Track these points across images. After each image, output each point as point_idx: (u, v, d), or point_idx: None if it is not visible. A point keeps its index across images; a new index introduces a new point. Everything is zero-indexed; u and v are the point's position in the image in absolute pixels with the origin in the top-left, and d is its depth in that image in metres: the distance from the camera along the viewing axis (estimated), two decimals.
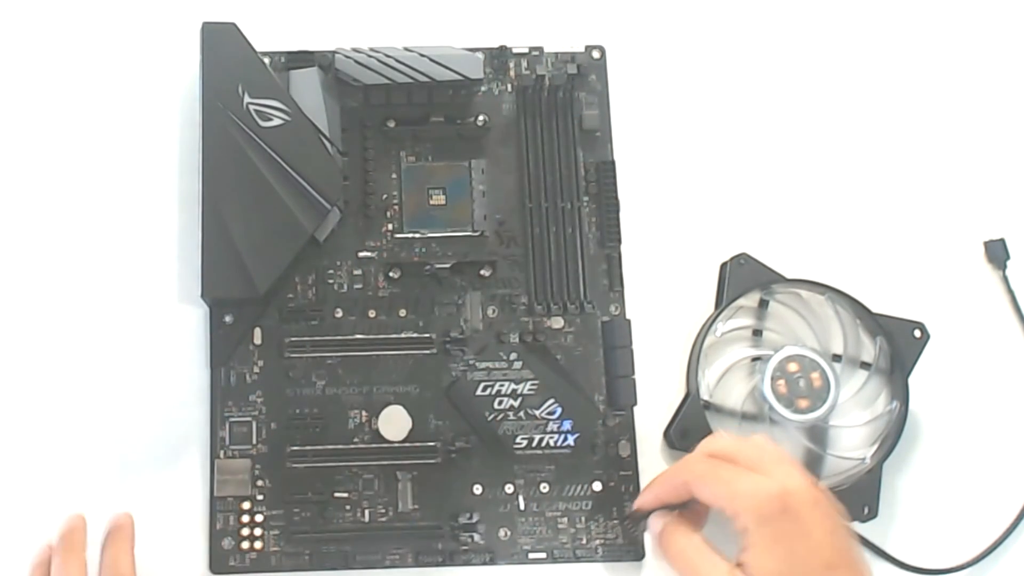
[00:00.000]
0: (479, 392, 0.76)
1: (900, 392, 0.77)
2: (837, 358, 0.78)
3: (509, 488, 0.76)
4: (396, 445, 0.76)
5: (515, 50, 0.81)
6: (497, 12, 0.83)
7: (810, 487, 0.65)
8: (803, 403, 0.76)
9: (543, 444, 0.75)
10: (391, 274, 0.78)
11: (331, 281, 0.78)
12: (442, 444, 0.76)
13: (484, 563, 0.75)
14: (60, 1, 0.81)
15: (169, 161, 0.79)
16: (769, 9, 0.85)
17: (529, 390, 0.76)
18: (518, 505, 0.76)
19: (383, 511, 0.75)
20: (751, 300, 0.78)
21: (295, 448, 0.75)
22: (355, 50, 0.78)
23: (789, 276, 0.78)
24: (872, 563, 0.76)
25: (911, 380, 0.77)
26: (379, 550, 0.75)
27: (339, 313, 0.77)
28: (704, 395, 0.77)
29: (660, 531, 0.71)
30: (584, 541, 0.75)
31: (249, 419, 0.76)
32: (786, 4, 0.85)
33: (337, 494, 0.75)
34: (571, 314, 0.78)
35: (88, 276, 0.77)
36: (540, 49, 0.81)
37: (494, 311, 0.78)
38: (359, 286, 0.78)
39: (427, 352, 0.77)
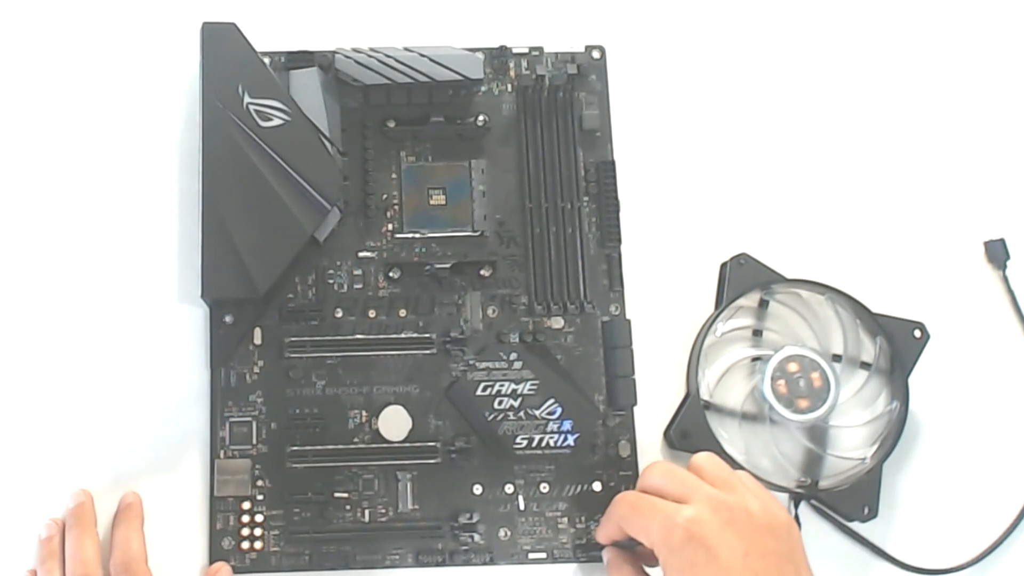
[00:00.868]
0: (479, 392, 0.76)
1: (900, 392, 0.77)
2: (837, 358, 0.78)
3: (509, 488, 0.76)
4: (396, 445, 0.76)
5: (515, 50, 0.81)
6: (497, 12, 0.83)
7: (719, 511, 0.66)
8: (803, 403, 0.76)
9: (543, 444, 0.75)
10: (391, 274, 0.78)
11: (331, 281, 0.78)
12: (442, 444, 0.76)
13: (484, 563, 0.75)
14: (60, 2, 0.81)
15: (169, 161, 0.79)
16: (769, 9, 0.84)
17: (529, 390, 0.76)
18: (518, 505, 0.76)
19: (383, 511, 0.75)
20: (751, 300, 0.78)
21: (295, 448, 0.75)
22: (355, 50, 0.78)
23: (789, 276, 0.78)
24: (872, 563, 0.76)
25: (911, 380, 0.77)
26: (379, 550, 0.75)
27: (339, 313, 0.77)
28: (704, 395, 0.77)
29: (607, 564, 0.74)
30: (584, 541, 0.75)
31: (249, 419, 0.76)
32: (786, 4, 0.85)
33: (337, 494, 0.75)
34: (571, 314, 0.78)
35: (88, 276, 0.77)
36: (540, 49, 0.81)
37: (494, 311, 0.78)
38: (359, 286, 0.78)
39: (427, 352, 0.77)
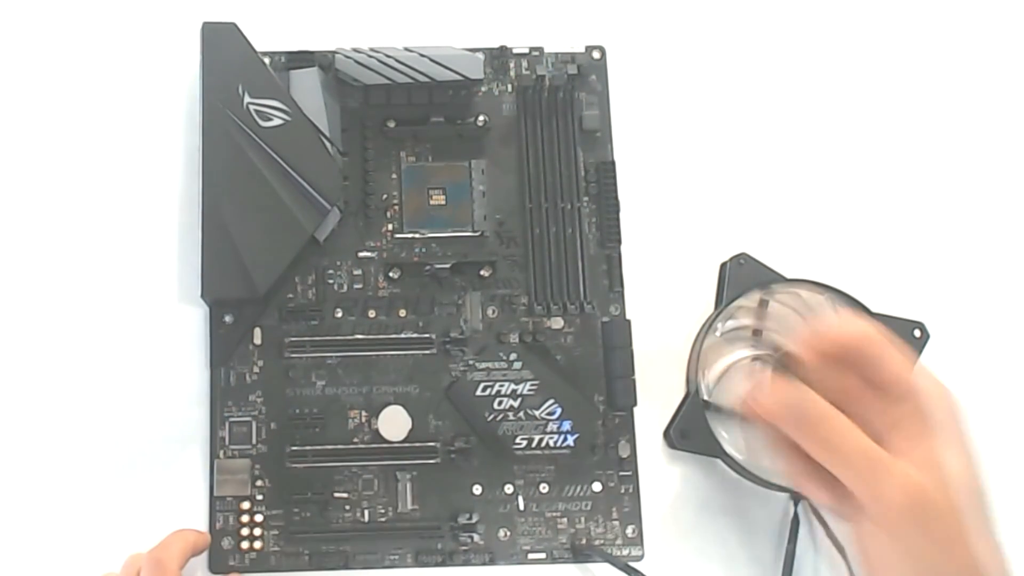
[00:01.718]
0: (479, 392, 0.76)
1: None
2: None
3: (509, 488, 0.76)
4: (396, 445, 0.76)
5: (515, 50, 0.81)
6: (497, 12, 0.83)
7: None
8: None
9: (543, 444, 0.75)
10: (391, 274, 0.78)
11: (331, 281, 0.78)
12: (442, 444, 0.76)
13: (484, 563, 0.75)
14: (60, 3, 0.81)
15: (169, 161, 0.79)
16: (769, 9, 0.84)
17: (529, 390, 0.76)
18: (518, 505, 0.76)
19: (383, 511, 0.75)
20: (751, 300, 0.78)
21: (295, 448, 0.75)
22: (355, 50, 0.78)
23: (789, 276, 0.78)
24: None
25: None
26: (379, 550, 0.75)
27: (339, 313, 0.77)
28: (704, 395, 0.77)
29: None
30: (584, 541, 0.75)
31: (249, 419, 0.76)
32: (786, 4, 0.85)
33: (337, 494, 0.75)
34: (571, 314, 0.78)
35: (88, 276, 0.77)
36: (540, 49, 0.81)
37: (494, 311, 0.78)
38: (359, 286, 0.78)
39: (427, 352, 0.77)
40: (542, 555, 0.75)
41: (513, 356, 0.76)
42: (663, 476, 0.77)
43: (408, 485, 0.75)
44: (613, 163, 0.80)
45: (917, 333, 0.77)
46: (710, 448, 0.75)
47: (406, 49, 0.78)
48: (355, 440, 0.76)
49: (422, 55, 0.78)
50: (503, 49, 0.81)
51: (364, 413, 0.76)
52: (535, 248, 0.78)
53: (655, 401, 0.77)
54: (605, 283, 0.79)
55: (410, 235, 0.78)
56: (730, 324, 0.78)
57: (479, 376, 0.76)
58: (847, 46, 0.84)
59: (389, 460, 0.76)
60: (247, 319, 0.77)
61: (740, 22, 0.84)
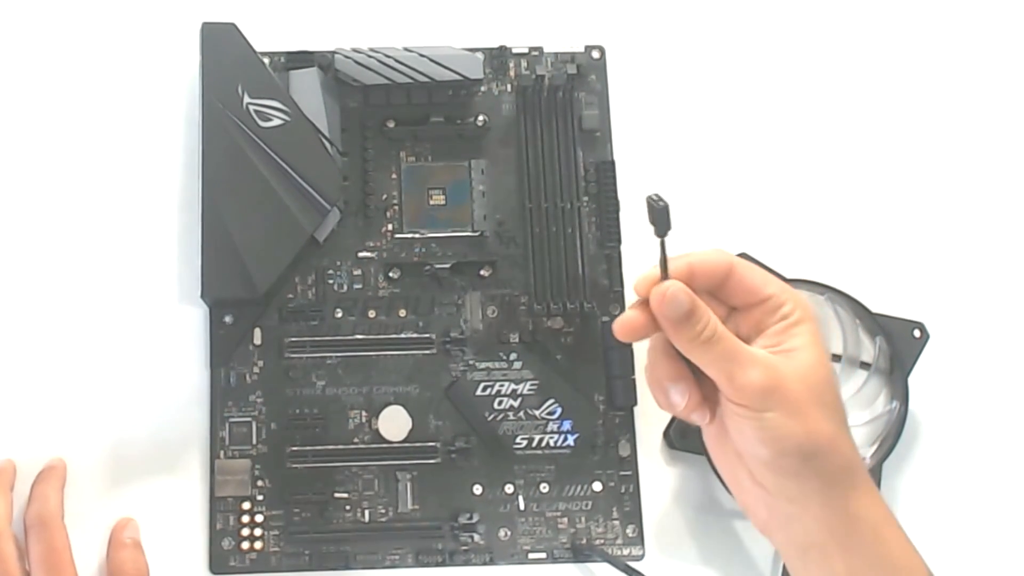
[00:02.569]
0: (479, 392, 0.76)
1: (900, 392, 0.77)
2: (837, 358, 0.78)
3: (509, 488, 0.76)
4: (396, 445, 0.76)
5: (515, 50, 0.81)
6: (497, 12, 0.83)
7: None
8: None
9: (543, 444, 0.75)
10: (391, 274, 0.78)
11: (331, 281, 0.78)
12: (442, 444, 0.76)
13: (484, 563, 0.75)
14: (60, 3, 0.81)
15: (169, 161, 0.79)
16: (769, 9, 0.84)
17: (529, 390, 0.76)
18: (518, 505, 0.76)
19: (383, 511, 0.75)
20: None
21: (295, 448, 0.75)
22: (355, 50, 0.78)
23: (789, 276, 0.78)
24: None
25: (911, 380, 0.77)
26: (379, 550, 0.75)
27: (339, 313, 0.77)
28: None
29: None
30: (584, 541, 0.75)
31: (249, 419, 0.76)
32: (786, 4, 0.85)
33: (337, 494, 0.75)
34: (571, 314, 0.78)
35: (88, 277, 0.77)
36: (540, 49, 0.81)
37: (494, 311, 0.78)
38: (359, 286, 0.78)
39: (427, 352, 0.77)
40: (542, 555, 0.75)
41: (513, 356, 0.76)
42: (663, 476, 0.77)
43: (408, 485, 0.76)
44: (613, 163, 0.80)
45: (917, 333, 0.77)
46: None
47: (405, 49, 0.78)
48: (355, 440, 0.76)
49: (422, 55, 0.78)
50: (503, 49, 0.81)
51: (364, 413, 0.76)
52: (535, 248, 0.78)
53: (655, 401, 0.77)
54: (605, 283, 0.79)
55: (410, 235, 0.78)
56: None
57: (479, 376, 0.76)
58: (847, 45, 0.84)
59: (389, 460, 0.76)
60: (247, 319, 0.77)
61: (740, 21, 0.84)
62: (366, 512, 0.75)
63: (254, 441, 0.75)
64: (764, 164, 0.82)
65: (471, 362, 0.77)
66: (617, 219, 0.79)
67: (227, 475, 0.75)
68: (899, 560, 0.63)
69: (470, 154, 0.80)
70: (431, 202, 0.79)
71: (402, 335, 0.77)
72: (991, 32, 0.85)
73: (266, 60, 0.78)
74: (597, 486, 0.76)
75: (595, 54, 0.82)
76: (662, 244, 0.63)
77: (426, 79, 0.78)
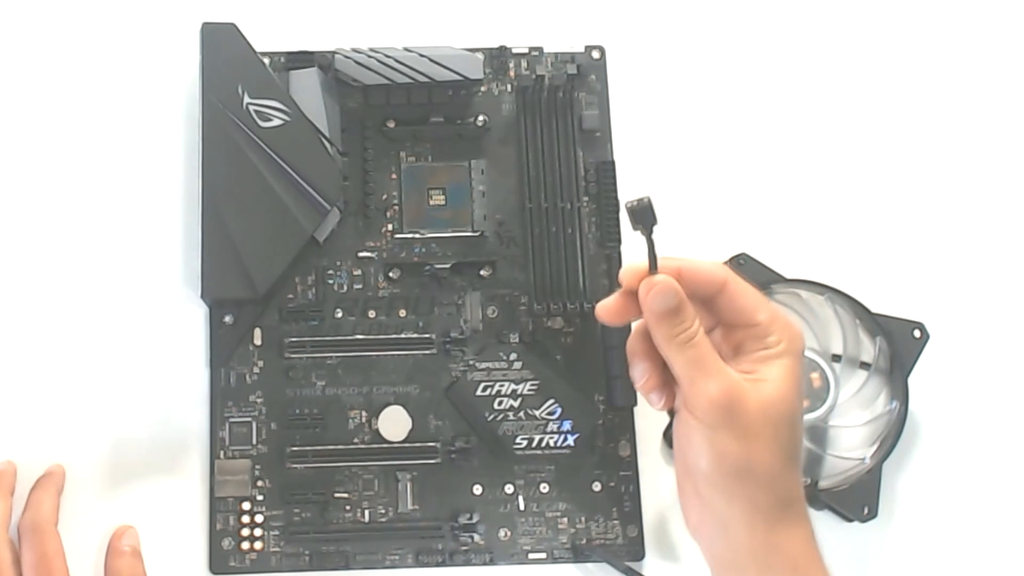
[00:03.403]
0: (479, 392, 0.76)
1: (900, 392, 0.77)
2: (837, 358, 0.78)
3: (509, 488, 0.76)
4: (396, 445, 0.76)
5: (515, 50, 0.81)
6: (497, 12, 0.83)
7: None
8: (803, 403, 0.75)
9: (543, 444, 0.75)
10: (391, 274, 0.78)
11: (331, 281, 0.78)
12: (442, 444, 0.76)
13: (484, 563, 0.75)
14: (60, 3, 0.81)
15: (169, 162, 0.79)
16: (769, 8, 0.84)
17: (529, 390, 0.76)
18: (518, 505, 0.76)
19: (383, 511, 0.75)
20: None
21: (295, 448, 0.75)
22: (355, 50, 0.78)
23: (789, 276, 0.78)
24: (869, 564, 0.76)
25: (911, 380, 0.77)
26: (379, 550, 0.75)
27: (339, 313, 0.77)
28: None
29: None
30: (584, 541, 0.75)
31: (249, 419, 0.76)
32: (786, 3, 0.85)
33: (337, 494, 0.75)
34: (571, 314, 0.78)
35: (89, 277, 0.77)
36: (540, 49, 0.82)
37: (494, 311, 0.78)
38: (359, 286, 0.78)
39: (427, 352, 0.77)
40: (543, 555, 0.75)
41: (513, 356, 0.76)
42: (663, 476, 0.77)
43: (408, 485, 0.76)
44: (613, 163, 0.80)
45: (917, 333, 0.77)
46: None
47: (405, 49, 0.78)
48: (355, 440, 0.76)
49: (421, 55, 0.78)
50: (503, 49, 0.81)
51: (364, 413, 0.76)
52: (535, 248, 0.78)
53: None
54: (605, 283, 0.79)
55: (410, 235, 0.78)
56: None
57: (479, 376, 0.76)
58: (847, 45, 0.84)
59: (389, 460, 0.76)
60: (247, 319, 0.77)
61: (740, 21, 0.84)
62: (366, 512, 0.75)
63: (254, 441, 0.75)
64: (764, 164, 0.82)
65: (471, 362, 0.77)
66: (617, 219, 0.79)
67: (227, 475, 0.75)
68: None
69: (470, 154, 0.80)
70: (431, 202, 0.79)
71: (402, 335, 0.77)
72: (991, 32, 0.85)
73: (266, 60, 0.78)
74: (597, 486, 0.76)
75: (595, 54, 0.82)
76: (649, 238, 0.63)
77: (426, 79, 0.78)
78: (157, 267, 0.78)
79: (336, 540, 0.75)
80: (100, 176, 0.79)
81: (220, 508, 0.75)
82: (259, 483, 0.75)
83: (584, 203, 0.79)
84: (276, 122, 0.76)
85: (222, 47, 0.76)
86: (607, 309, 0.65)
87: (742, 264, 0.77)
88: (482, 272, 0.78)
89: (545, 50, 0.82)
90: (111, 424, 0.76)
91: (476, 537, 0.75)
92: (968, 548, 0.77)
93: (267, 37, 0.79)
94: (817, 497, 0.75)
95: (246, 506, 0.75)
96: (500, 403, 0.76)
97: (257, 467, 0.75)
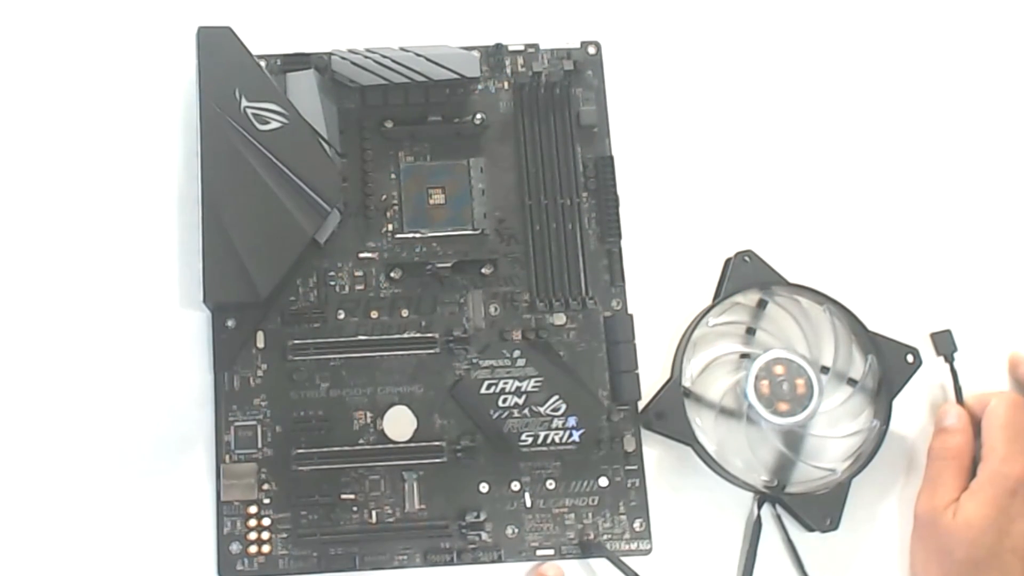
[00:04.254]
0: (483, 390, 0.76)
1: (882, 413, 0.77)
2: (825, 370, 0.77)
3: (515, 485, 0.76)
4: (402, 445, 0.76)
5: (511, 47, 0.81)
6: (492, 10, 0.83)
7: None
8: (783, 406, 0.76)
9: (548, 441, 0.76)
10: (392, 274, 0.78)
11: (332, 283, 0.78)
12: (447, 443, 0.76)
13: (492, 561, 0.75)
14: (56, 7, 0.81)
15: (168, 166, 0.79)
16: (767, 2, 0.84)
17: (533, 387, 0.76)
18: (525, 502, 0.76)
19: (390, 511, 0.75)
20: (750, 299, 0.78)
21: (300, 451, 0.75)
22: (351, 51, 0.78)
23: (792, 279, 0.78)
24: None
25: (896, 403, 0.77)
26: (387, 551, 0.75)
27: (341, 315, 0.77)
28: (686, 382, 0.77)
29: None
30: (592, 537, 0.76)
31: (254, 423, 0.76)
32: None
33: (344, 496, 0.75)
34: (573, 310, 0.78)
35: (90, 283, 0.77)
36: (536, 46, 0.81)
37: (496, 309, 0.78)
38: (360, 287, 0.78)
39: (430, 352, 0.77)
40: (550, 551, 0.76)
41: (516, 353, 0.77)
42: (669, 470, 0.77)
43: (415, 485, 0.76)
44: (611, 158, 0.80)
45: (910, 358, 0.77)
46: (684, 434, 0.75)
47: (402, 49, 0.78)
48: (361, 441, 0.76)
49: (418, 54, 0.78)
50: (499, 46, 0.81)
51: (369, 414, 0.76)
52: (536, 245, 0.78)
53: None
54: (606, 278, 0.79)
55: (410, 235, 0.78)
56: (723, 318, 0.78)
57: (483, 374, 0.76)
58: (848, 44, 0.84)
59: (395, 460, 0.76)
60: (249, 323, 0.76)
61: (736, 15, 0.84)
62: (373, 513, 0.75)
63: (259, 444, 0.75)
64: (763, 157, 0.82)
65: (474, 360, 0.77)
66: (617, 214, 0.79)
67: (233, 479, 0.75)
68: None
69: (469, 152, 0.80)
70: (431, 201, 0.79)
71: (405, 335, 0.77)
72: (998, 43, 0.85)
73: (262, 63, 0.77)
74: (603, 481, 0.76)
75: (591, 50, 0.82)
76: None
77: (423, 78, 0.78)
78: (159, 273, 0.77)
79: (344, 541, 0.75)
80: (100, 182, 0.78)
81: (227, 512, 0.75)
82: (265, 486, 0.75)
83: (583, 199, 0.79)
84: (274, 125, 0.75)
85: (218, 51, 0.76)
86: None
87: (746, 262, 0.78)
88: (483, 270, 0.78)
89: (541, 47, 0.81)
90: (116, 431, 0.75)
91: (483, 535, 0.75)
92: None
93: (263, 39, 0.78)
94: (782, 501, 0.76)
95: (253, 509, 0.75)
96: (504, 401, 0.76)
97: (263, 470, 0.75)
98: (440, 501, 0.76)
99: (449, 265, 0.78)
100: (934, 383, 0.79)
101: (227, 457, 0.75)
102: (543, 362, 0.77)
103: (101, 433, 0.75)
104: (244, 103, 0.75)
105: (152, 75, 0.80)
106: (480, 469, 0.76)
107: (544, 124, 0.80)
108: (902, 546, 0.77)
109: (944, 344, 0.77)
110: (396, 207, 0.79)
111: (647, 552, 0.76)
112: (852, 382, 0.78)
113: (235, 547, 0.74)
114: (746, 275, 0.78)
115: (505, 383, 0.76)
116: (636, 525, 0.76)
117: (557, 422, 0.76)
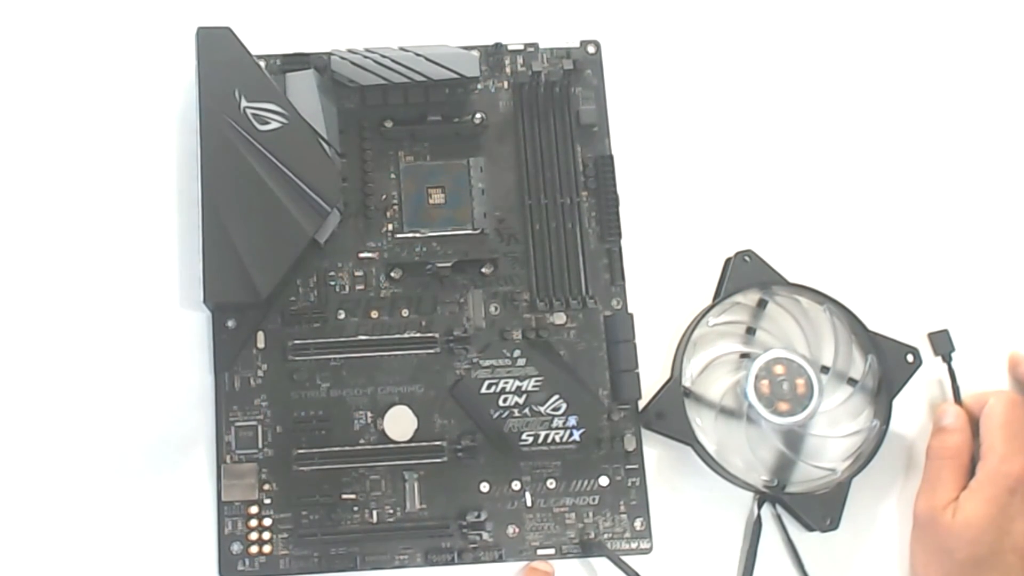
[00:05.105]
0: (483, 390, 0.76)
1: (883, 412, 0.77)
2: (825, 369, 0.77)
3: (516, 485, 0.76)
4: (402, 445, 0.76)
5: (510, 47, 0.81)
6: (492, 9, 0.83)
7: None
8: (783, 406, 0.76)
9: (549, 440, 0.76)
10: (392, 274, 0.78)
11: (332, 283, 0.78)
12: (448, 443, 0.76)
13: (493, 560, 0.75)
14: (56, 8, 0.81)
15: (168, 167, 0.79)
16: (767, 2, 0.84)
17: (533, 387, 0.76)
18: (525, 502, 0.76)
19: (391, 511, 0.75)
20: (750, 299, 0.78)
21: (301, 451, 0.75)
22: (351, 51, 0.78)
23: (792, 279, 0.78)
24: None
25: (897, 402, 0.77)
26: (388, 550, 0.75)
27: (341, 315, 0.77)
28: (686, 382, 0.77)
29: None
30: (592, 536, 0.76)
31: (254, 423, 0.76)
32: None
33: (344, 496, 0.75)
34: (573, 309, 0.78)
35: (90, 284, 0.77)
36: (535, 45, 0.81)
37: (496, 309, 0.78)
38: (361, 287, 0.78)
39: (430, 351, 0.77)
40: (551, 550, 0.76)
41: (517, 353, 0.77)
42: (669, 469, 0.77)
43: (415, 484, 0.76)
44: (611, 157, 0.80)
45: (910, 358, 0.77)
46: (684, 433, 0.75)
47: (401, 49, 0.78)
48: (361, 441, 0.76)
49: (417, 54, 0.77)
50: (498, 46, 0.81)
51: (369, 414, 0.76)
52: (536, 244, 0.78)
53: None
54: (606, 277, 0.79)
55: (410, 235, 0.78)
56: (723, 318, 0.78)
57: (483, 374, 0.76)
58: (849, 43, 0.84)
59: (396, 460, 0.76)
60: (250, 323, 0.76)
61: (736, 14, 0.84)
62: (374, 513, 0.75)
63: (260, 445, 0.76)
64: (762, 157, 0.82)
65: (475, 360, 0.77)
66: (617, 213, 0.79)
67: (234, 479, 0.75)
68: None
69: (468, 152, 0.80)
70: (431, 201, 0.79)
71: (405, 335, 0.77)
72: (997, 43, 0.85)
73: (262, 63, 0.77)
74: (604, 481, 0.77)
75: (591, 49, 0.82)
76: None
77: (423, 78, 0.77)
78: (159, 273, 0.77)
79: (344, 541, 0.75)
80: (99, 183, 0.78)
81: (228, 512, 0.75)
82: (266, 486, 0.75)
83: (583, 198, 0.79)
84: (274, 125, 0.75)
85: (218, 51, 0.76)
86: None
87: (746, 262, 0.78)
88: (483, 270, 0.78)
89: (540, 46, 0.81)
90: (117, 431, 0.75)
91: (484, 535, 0.75)
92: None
93: (262, 39, 0.78)
94: (782, 500, 0.76)
95: (254, 510, 0.75)
96: (505, 400, 0.76)
97: (264, 470, 0.75)
98: (441, 501, 0.76)
99: (449, 265, 0.78)
100: (934, 383, 0.79)
101: (228, 457, 0.75)
102: (543, 362, 0.77)
103: (102, 434, 0.75)
104: (244, 103, 0.75)
105: (152, 75, 0.80)
106: (480, 469, 0.76)
107: (544, 123, 0.80)
108: (902, 546, 0.77)
109: (942, 344, 0.77)
110: (396, 207, 0.79)
111: (647, 551, 0.76)
112: (852, 382, 0.78)
113: (236, 547, 0.74)
114: (746, 275, 0.78)
115: (505, 383, 0.76)
116: (636, 524, 0.76)
117: (557, 421, 0.76)
